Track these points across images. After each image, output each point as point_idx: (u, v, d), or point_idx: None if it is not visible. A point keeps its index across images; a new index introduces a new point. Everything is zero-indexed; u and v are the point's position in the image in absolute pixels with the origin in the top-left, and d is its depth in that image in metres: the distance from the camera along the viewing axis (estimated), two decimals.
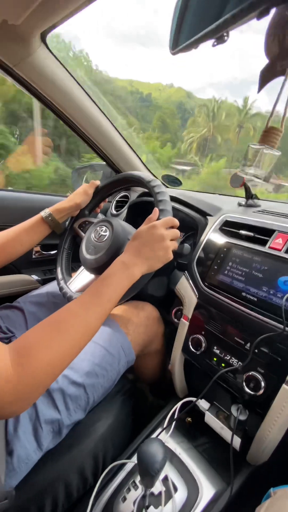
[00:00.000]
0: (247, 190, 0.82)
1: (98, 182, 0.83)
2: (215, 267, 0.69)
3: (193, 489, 0.57)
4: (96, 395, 0.63)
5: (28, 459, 0.52)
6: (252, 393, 0.56)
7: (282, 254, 0.59)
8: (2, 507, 0.44)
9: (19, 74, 0.78)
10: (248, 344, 0.59)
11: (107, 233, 0.72)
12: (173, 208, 0.88)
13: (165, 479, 0.58)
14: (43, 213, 0.74)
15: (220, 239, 0.72)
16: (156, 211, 0.62)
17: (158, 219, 0.61)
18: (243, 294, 0.62)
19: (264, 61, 0.45)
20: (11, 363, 0.38)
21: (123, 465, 0.63)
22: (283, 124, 0.45)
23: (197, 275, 0.73)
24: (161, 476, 0.59)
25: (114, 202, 1.27)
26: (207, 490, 0.57)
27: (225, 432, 0.61)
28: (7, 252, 0.70)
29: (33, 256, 1.09)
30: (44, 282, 1.09)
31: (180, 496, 0.56)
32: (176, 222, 0.61)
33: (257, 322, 0.58)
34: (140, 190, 1.16)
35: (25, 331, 0.64)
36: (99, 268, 0.69)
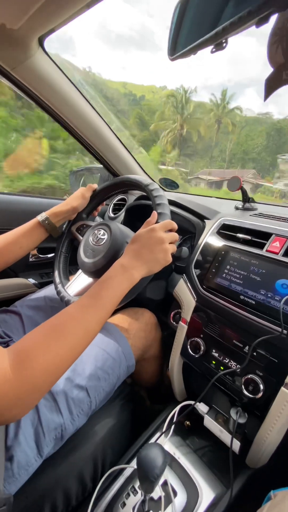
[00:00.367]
0: (244, 193, 0.83)
1: (95, 186, 0.83)
2: (213, 270, 0.70)
3: (193, 493, 0.57)
4: (98, 399, 0.63)
5: (28, 465, 0.51)
6: (251, 396, 0.56)
7: (279, 257, 0.60)
8: None
9: (16, 78, 0.78)
10: (247, 347, 0.59)
11: (105, 237, 0.72)
12: (171, 212, 0.89)
13: (165, 483, 0.58)
14: (40, 217, 0.74)
15: (217, 243, 0.73)
16: (154, 214, 0.62)
17: (156, 222, 0.61)
18: (241, 297, 0.62)
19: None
20: (10, 367, 0.38)
21: (122, 470, 0.62)
22: None
23: (195, 278, 0.73)
24: (161, 480, 0.58)
25: (112, 205, 1.27)
26: (206, 494, 0.57)
27: (225, 436, 0.61)
28: (5, 256, 0.70)
29: (30, 260, 1.09)
30: (41, 285, 1.08)
31: (180, 500, 0.56)
32: (175, 225, 0.61)
33: (255, 325, 0.58)
34: (137, 193, 1.17)
35: (22, 336, 0.64)
36: (97, 272, 0.69)
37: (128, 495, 0.57)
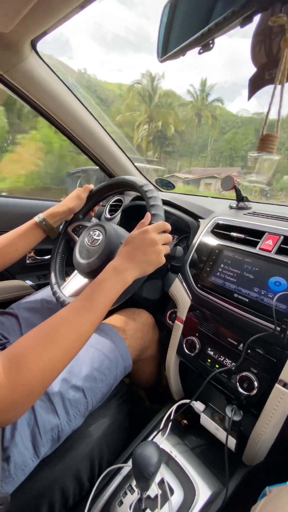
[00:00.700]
0: (238, 192, 0.84)
1: (91, 187, 0.84)
2: (208, 269, 0.70)
3: (190, 491, 0.57)
4: (95, 400, 0.63)
5: (25, 465, 0.51)
6: (245, 393, 0.57)
7: (272, 255, 0.60)
8: None
9: (10, 81, 0.79)
10: (241, 345, 0.60)
11: (100, 237, 0.72)
12: (166, 212, 0.89)
13: (161, 482, 0.58)
14: (37, 218, 0.75)
15: (212, 242, 0.73)
16: (148, 215, 0.63)
17: (150, 223, 0.62)
18: (235, 295, 0.63)
19: (252, 66, 0.46)
20: (3, 370, 0.38)
21: (119, 469, 0.63)
22: (278, 131, 0.46)
23: (190, 277, 0.74)
24: (157, 479, 0.59)
25: (108, 206, 1.28)
26: (203, 492, 0.58)
27: (220, 433, 0.61)
28: (1, 258, 0.70)
29: (27, 261, 1.09)
30: (38, 287, 1.08)
31: (177, 498, 0.56)
32: (168, 226, 0.62)
33: (249, 322, 0.59)
34: (133, 194, 1.17)
35: (19, 338, 0.64)
36: (92, 272, 0.70)
37: (125, 493, 0.58)
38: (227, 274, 0.66)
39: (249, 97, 0.42)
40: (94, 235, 0.73)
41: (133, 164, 1.21)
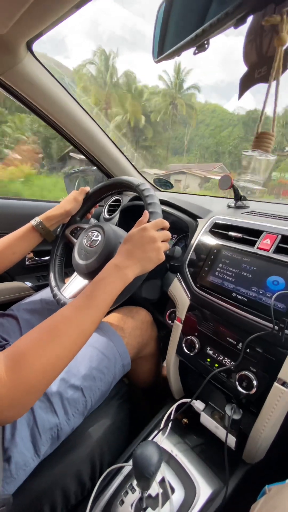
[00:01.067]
0: (236, 191, 0.84)
1: (87, 189, 0.84)
2: (206, 269, 0.70)
3: (190, 490, 0.58)
4: (94, 399, 0.63)
5: (26, 465, 0.52)
6: (245, 392, 0.57)
7: (270, 254, 0.61)
8: None
9: (6, 83, 0.79)
10: (240, 344, 0.60)
11: (99, 238, 0.72)
12: (164, 212, 0.89)
13: (162, 480, 0.59)
14: (34, 221, 0.75)
15: (210, 241, 0.73)
16: (146, 213, 0.63)
17: (148, 221, 0.62)
18: (234, 294, 0.63)
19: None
20: (5, 369, 0.38)
21: (120, 468, 0.63)
22: (274, 129, 0.46)
23: (189, 277, 0.74)
24: (158, 478, 0.59)
25: (107, 206, 1.28)
26: (204, 490, 0.58)
27: (221, 432, 0.62)
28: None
29: (26, 263, 1.09)
30: (38, 288, 1.09)
31: (177, 497, 0.57)
32: (166, 223, 0.62)
33: (248, 322, 0.59)
34: (131, 194, 1.17)
35: None
36: (92, 273, 0.70)
37: (127, 493, 0.58)
38: (226, 274, 0.66)
39: (240, 95, 0.43)
40: (93, 236, 0.74)
41: (131, 163, 1.21)
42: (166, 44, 0.48)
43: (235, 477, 0.60)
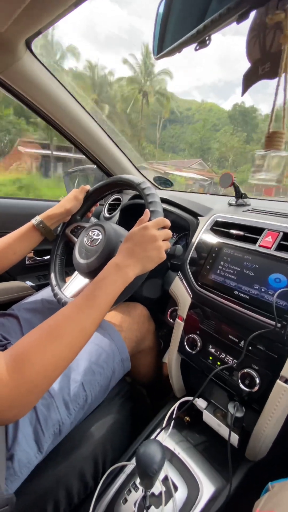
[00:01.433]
0: (237, 189, 0.83)
1: (88, 187, 0.83)
2: (208, 267, 0.70)
3: (193, 488, 0.58)
4: (94, 393, 0.64)
5: (29, 463, 0.52)
6: (247, 390, 0.57)
7: (272, 252, 0.60)
8: None
9: (5, 81, 0.78)
10: (242, 342, 0.60)
11: (100, 237, 0.72)
12: (165, 210, 0.89)
13: (165, 479, 0.59)
14: (34, 220, 0.75)
15: (211, 239, 0.73)
16: (147, 212, 0.63)
17: (149, 220, 0.62)
18: (236, 292, 0.63)
19: (247, 62, 0.46)
20: (7, 369, 0.39)
21: (123, 467, 0.63)
22: (284, 126, 0.45)
23: (190, 275, 0.74)
24: (161, 476, 0.59)
25: (107, 205, 1.28)
26: (207, 488, 0.58)
27: (223, 430, 0.62)
28: (0, 261, 0.71)
29: (27, 262, 1.09)
30: (38, 288, 1.08)
31: (180, 495, 0.57)
32: (168, 222, 0.62)
33: (250, 319, 0.59)
34: (132, 192, 1.17)
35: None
36: (93, 272, 0.70)
37: (130, 491, 0.58)
38: (227, 272, 0.66)
39: (243, 92, 0.42)
40: (93, 235, 0.73)
41: (131, 162, 1.21)
42: (166, 40, 0.48)
43: (238, 474, 0.60)
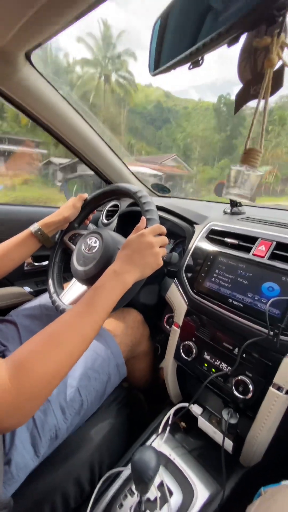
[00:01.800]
0: None
1: (85, 195, 0.85)
2: (203, 274, 0.71)
3: (188, 493, 0.59)
4: (90, 398, 0.65)
5: (26, 466, 0.53)
6: (241, 397, 0.58)
7: (265, 260, 0.62)
8: None
9: (5, 91, 0.80)
10: (236, 349, 0.61)
11: (97, 244, 0.73)
12: (161, 218, 0.91)
13: (161, 484, 0.60)
14: (32, 227, 0.76)
15: (207, 247, 0.75)
16: (143, 220, 0.64)
17: (146, 227, 0.63)
18: (230, 300, 0.64)
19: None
20: (8, 376, 0.39)
21: (119, 473, 0.64)
22: (262, 145, 0.47)
23: (186, 282, 0.75)
24: (157, 481, 0.60)
25: (105, 211, 1.29)
26: (201, 493, 0.59)
27: (218, 436, 0.63)
28: None
29: (25, 268, 1.10)
30: (36, 293, 1.09)
31: (175, 500, 0.58)
32: (164, 229, 0.63)
33: (244, 327, 0.60)
34: (129, 199, 1.18)
35: (18, 345, 0.65)
36: (91, 279, 0.71)
37: (125, 496, 0.59)
38: (222, 280, 0.67)
39: (236, 110, 0.44)
40: (91, 242, 0.75)
41: (129, 169, 1.22)
42: (162, 58, 0.49)
43: (232, 480, 0.61)
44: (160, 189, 1.26)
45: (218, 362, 0.65)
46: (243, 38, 0.40)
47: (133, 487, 0.60)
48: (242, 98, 0.42)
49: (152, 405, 0.96)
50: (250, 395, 0.57)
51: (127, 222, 1.09)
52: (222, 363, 0.64)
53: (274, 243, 0.63)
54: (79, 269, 0.73)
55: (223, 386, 0.62)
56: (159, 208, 0.95)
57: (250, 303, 0.61)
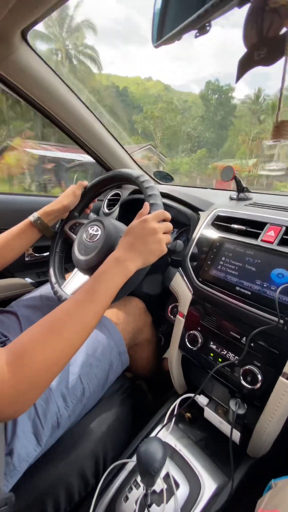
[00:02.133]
0: (238, 183, 0.82)
1: (85, 183, 0.82)
2: (209, 263, 0.69)
3: (195, 485, 0.57)
4: (91, 386, 0.64)
5: (28, 456, 0.52)
6: (249, 387, 0.56)
7: (274, 246, 0.59)
8: None
9: (1, 73, 0.76)
10: (244, 338, 0.59)
11: (99, 233, 0.71)
12: (165, 205, 0.88)
13: (167, 476, 0.58)
14: (32, 217, 0.74)
15: (212, 234, 0.72)
16: (146, 205, 0.62)
17: (149, 213, 0.60)
18: (237, 288, 0.61)
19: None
20: (8, 364, 0.38)
21: (124, 464, 0.63)
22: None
23: (191, 271, 0.73)
24: (163, 473, 0.59)
25: (106, 200, 1.26)
26: (208, 485, 0.58)
27: (225, 427, 0.61)
28: None
29: (26, 259, 1.08)
30: (38, 284, 1.07)
31: (182, 492, 0.56)
32: (168, 215, 0.61)
33: (252, 315, 0.58)
34: (131, 187, 1.15)
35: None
36: (92, 268, 0.68)
37: (131, 489, 0.58)
38: (229, 267, 0.65)
39: (238, 79, 0.41)
40: (93, 230, 0.72)
41: (130, 156, 1.19)
42: (165, 27, 0.46)
43: (240, 471, 0.60)
44: (163, 177, 1.23)
45: (224, 352, 0.63)
46: None
47: (139, 479, 0.59)
48: (246, 64, 0.39)
49: (156, 395, 0.95)
50: (258, 385, 0.55)
51: (129, 211, 1.06)
52: (229, 352, 0.62)
53: (284, 228, 0.60)
54: (81, 258, 0.71)
55: (230, 376, 0.61)
56: (163, 194, 0.92)
57: (258, 291, 0.58)
